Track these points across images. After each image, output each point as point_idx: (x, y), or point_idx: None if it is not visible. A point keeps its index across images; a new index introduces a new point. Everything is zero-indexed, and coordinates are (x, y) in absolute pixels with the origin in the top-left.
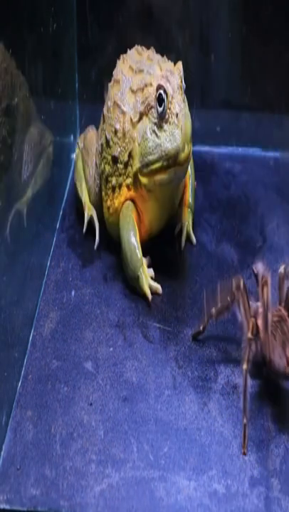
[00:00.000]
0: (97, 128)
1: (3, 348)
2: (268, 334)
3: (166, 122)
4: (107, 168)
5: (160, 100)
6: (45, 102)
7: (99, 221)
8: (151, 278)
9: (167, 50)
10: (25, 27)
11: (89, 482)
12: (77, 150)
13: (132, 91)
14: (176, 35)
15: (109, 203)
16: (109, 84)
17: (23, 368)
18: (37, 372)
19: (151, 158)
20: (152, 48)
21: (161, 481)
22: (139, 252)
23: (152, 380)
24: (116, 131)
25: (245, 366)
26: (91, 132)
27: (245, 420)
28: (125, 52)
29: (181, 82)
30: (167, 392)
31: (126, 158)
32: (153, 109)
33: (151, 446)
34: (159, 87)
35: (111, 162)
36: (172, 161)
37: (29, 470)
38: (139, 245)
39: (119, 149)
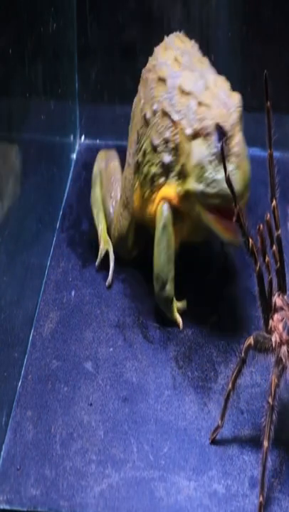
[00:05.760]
0: (119, 149)
1: (3, 348)
2: None
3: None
4: (154, 169)
5: (219, 134)
6: (45, 102)
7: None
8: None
9: None
10: (25, 27)
11: (89, 482)
12: (95, 169)
13: (183, 91)
14: None
15: (147, 193)
16: (147, 76)
17: (23, 368)
18: (37, 372)
19: (208, 191)
20: (194, 41)
21: (161, 481)
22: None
23: (152, 380)
24: (167, 141)
25: (266, 443)
26: (113, 163)
27: (261, 499)
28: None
29: (241, 119)
30: (167, 392)
31: (179, 168)
32: (210, 137)
33: (151, 446)
34: (218, 127)
35: (160, 167)
36: (231, 204)
37: (29, 470)
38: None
39: (170, 158)
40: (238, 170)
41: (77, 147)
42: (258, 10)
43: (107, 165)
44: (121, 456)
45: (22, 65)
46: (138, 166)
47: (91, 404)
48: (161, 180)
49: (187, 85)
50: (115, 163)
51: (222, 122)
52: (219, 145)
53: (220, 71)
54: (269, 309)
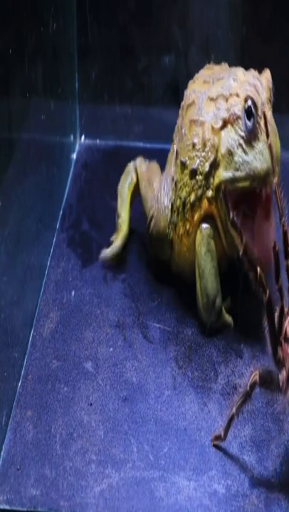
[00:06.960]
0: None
1: (3, 348)
2: None
3: (254, 139)
4: (185, 191)
5: (249, 113)
6: (45, 102)
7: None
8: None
9: (167, 50)
10: (25, 27)
11: (89, 482)
12: (130, 165)
13: (211, 99)
14: (176, 35)
15: (188, 225)
16: (180, 114)
17: (23, 368)
18: (37, 372)
19: (238, 174)
20: (224, 63)
21: (161, 481)
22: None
23: (152, 380)
24: (194, 145)
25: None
26: (154, 165)
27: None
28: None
29: (271, 94)
30: (167, 392)
31: (207, 168)
32: (240, 120)
33: (151, 446)
34: (248, 98)
35: (188, 178)
36: (261, 183)
37: (29, 470)
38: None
39: (198, 161)
40: (268, 147)
41: (77, 147)
42: (258, 10)
43: (147, 167)
44: (121, 456)
45: (22, 65)
46: (171, 209)
47: (91, 404)
48: (192, 197)
49: (214, 92)
50: (155, 167)
51: (253, 99)
52: (249, 125)
53: None
54: (278, 338)
